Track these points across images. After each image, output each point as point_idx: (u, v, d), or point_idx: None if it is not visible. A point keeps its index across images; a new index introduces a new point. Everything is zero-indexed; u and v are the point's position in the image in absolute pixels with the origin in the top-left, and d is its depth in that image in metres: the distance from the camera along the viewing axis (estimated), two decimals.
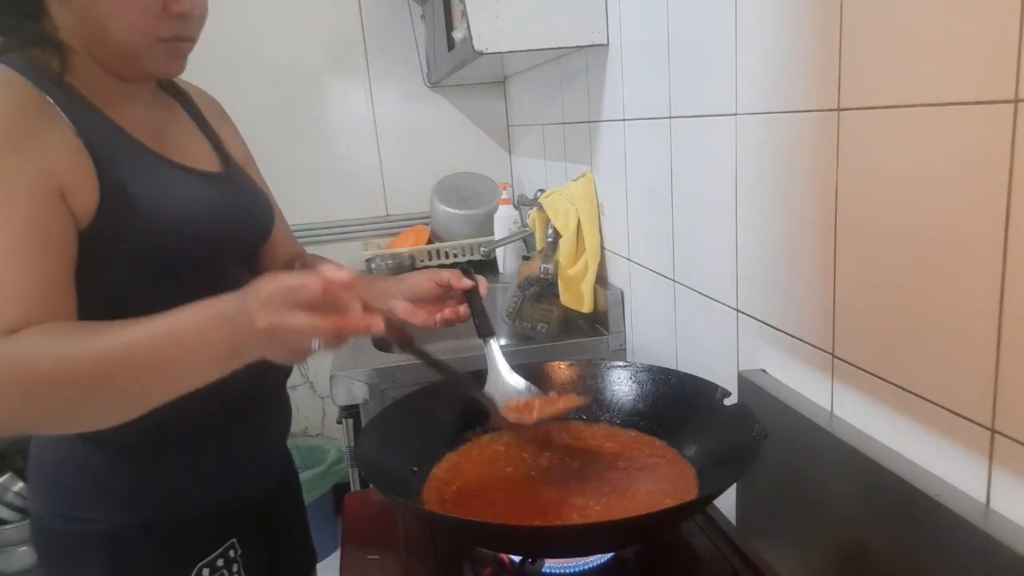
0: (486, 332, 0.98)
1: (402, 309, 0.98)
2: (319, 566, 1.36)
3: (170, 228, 0.84)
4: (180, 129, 0.96)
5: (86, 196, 0.77)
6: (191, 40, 0.86)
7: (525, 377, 0.98)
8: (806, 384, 0.87)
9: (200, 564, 0.93)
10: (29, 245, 0.72)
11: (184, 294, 0.70)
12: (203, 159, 0.96)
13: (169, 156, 0.88)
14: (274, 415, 1.04)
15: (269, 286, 0.63)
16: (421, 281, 1.02)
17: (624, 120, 1.37)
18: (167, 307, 0.68)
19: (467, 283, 1.01)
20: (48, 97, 0.78)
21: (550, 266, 1.60)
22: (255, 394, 0.98)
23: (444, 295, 1.01)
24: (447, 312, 1.00)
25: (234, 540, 0.95)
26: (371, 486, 1.12)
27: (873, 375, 0.75)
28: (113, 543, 0.89)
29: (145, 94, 0.91)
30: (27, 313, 0.69)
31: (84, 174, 0.77)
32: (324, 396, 2.55)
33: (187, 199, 0.88)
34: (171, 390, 0.67)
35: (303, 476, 1.65)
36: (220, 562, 0.94)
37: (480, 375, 0.96)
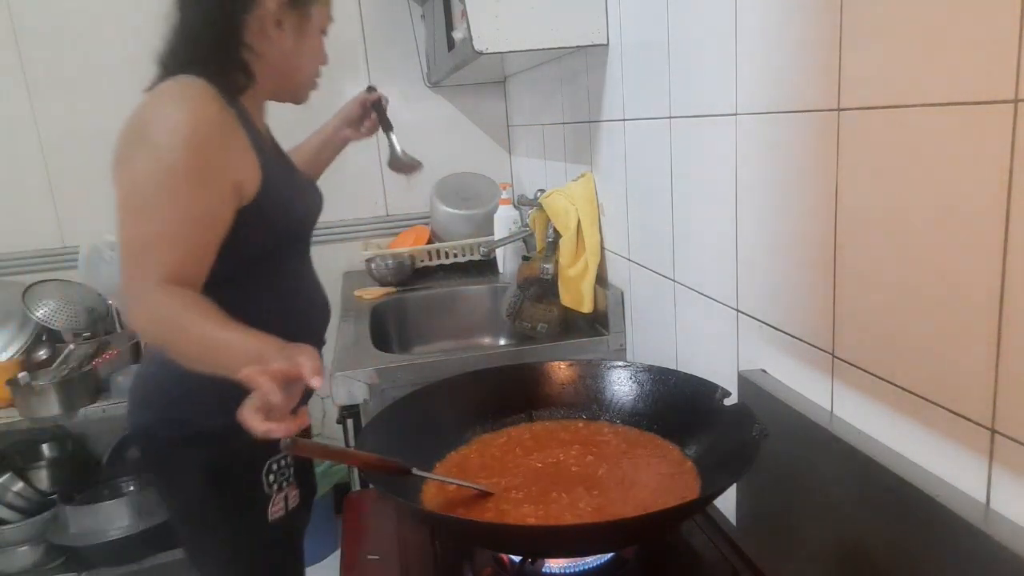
0: (387, 127, 1.49)
1: (342, 137, 1.50)
2: (319, 566, 1.37)
3: (294, 204, 1.19)
4: (269, 134, 1.28)
5: (250, 186, 1.07)
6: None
7: (524, 377, 0.97)
8: (806, 384, 0.87)
9: (270, 461, 1.19)
10: (207, 219, 1.02)
11: (292, 248, 1.23)
12: (284, 157, 1.30)
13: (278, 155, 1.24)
14: (320, 348, 1.29)
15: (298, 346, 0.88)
16: (351, 107, 1.48)
17: (624, 120, 1.37)
18: (285, 256, 1.20)
19: (373, 96, 1.47)
20: (232, 109, 1.06)
21: (550, 266, 1.60)
22: (319, 330, 1.29)
23: (366, 113, 1.48)
24: (367, 124, 1.49)
25: None
26: (371, 486, 1.12)
27: (873, 375, 0.75)
28: (207, 441, 1.13)
29: (264, 114, 1.23)
30: (181, 273, 0.98)
31: (252, 170, 1.07)
32: (324, 396, 2.55)
33: (296, 184, 1.25)
34: (216, 368, 0.92)
35: None
36: (282, 463, 1.20)
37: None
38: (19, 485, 2.34)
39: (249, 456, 1.16)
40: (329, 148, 1.51)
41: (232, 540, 1.21)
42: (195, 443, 1.13)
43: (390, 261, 2.20)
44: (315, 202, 1.31)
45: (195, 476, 1.14)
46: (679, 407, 0.95)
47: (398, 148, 1.52)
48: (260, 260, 1.15)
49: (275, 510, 1.18)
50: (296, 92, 1.21)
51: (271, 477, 1.20)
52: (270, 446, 1.10)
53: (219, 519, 1.19)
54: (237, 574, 1.26)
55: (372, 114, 1.47)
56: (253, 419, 0.77)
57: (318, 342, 1.29)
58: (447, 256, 2.31)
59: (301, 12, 1.13)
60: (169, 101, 1.03)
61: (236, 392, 0.94)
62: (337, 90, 2.47)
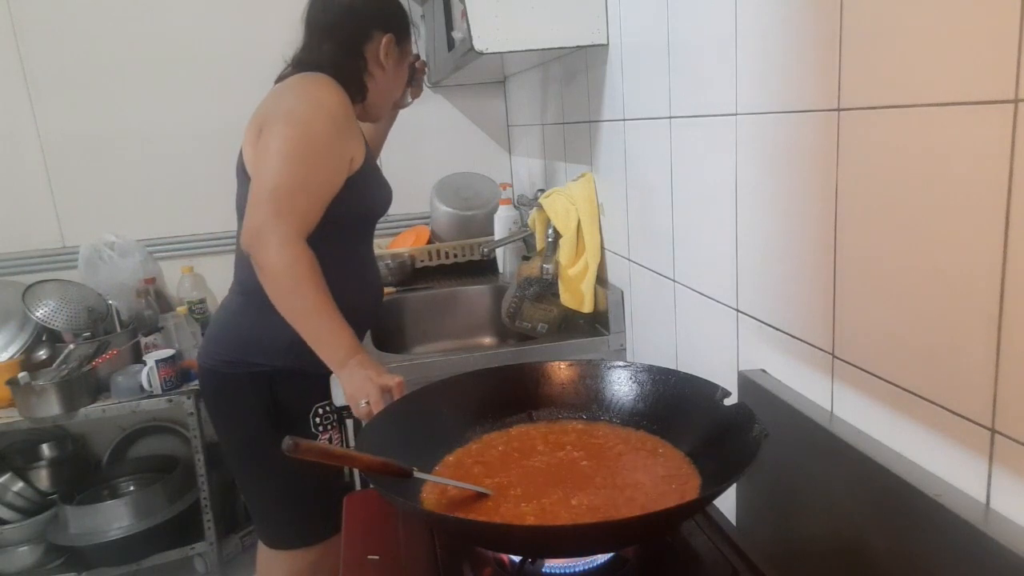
0: (418, 90, 1.66)
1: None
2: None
3: (378, 190, 1.49)
4: None
5: (357, 162, 1.37)
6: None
7: (524, 377, 0.97)
8: (806, 384, 0.87)
9: (316, 405, 1.43)
10: (332, 180, 1.31)
11: (365, 227, 1.52)
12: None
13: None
14: (364, 334, 1.56)
15: (381, 369, 1.20)
16: None
17: (624, 120, 1.37)
18: (360, 231, 1.50)
19: (412, 62, 1.60)
20: (351, 103, 1.38)
21: (550, 266, 1.60)
22: (374, 308, 1.56)
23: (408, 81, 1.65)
24: (411, 91, 1.64)
25: (329, 400, 1.42)
26: (371, 486, 1.12)
27: (873, 375, 0.75)
28: (271, 380, 1.38)
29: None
30: (309, 221, 1.26)
31: (361, 151, 1.38)
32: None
33: (381, 178, 1.52)
34: (308, 336, 1.23)
35: None
36: (327, 408, 1.43)
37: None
38: (19, 485, 2.34)
39: (299, 399, 1.36)
40: (383, 123, 1.73)
41: (279, 473, 1.39)
42: (254, 382, 1.35)
43: (390, 261, 2.20)
44: (390, 193, 1.55)
45: (251, 412, 1.34)
46: (679, 407, 0.94)
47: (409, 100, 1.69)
48: (344, 228, 1.39)
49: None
50: (380, 111, 1.51)
51: (316, 420, 1.42)
52: (317, 392, 1.41)
53: (269, 453, 1.29)
54: (281, 503, 1.43)
55: (413, 81, 1.65)
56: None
57: (367, 320, 1.55)
58: (447, 256, 2.31)
59: (402, 48, 1.46)
60: (315, 83, 1.34)
61: (295, 342, 1.24)
62: None
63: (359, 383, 1.20)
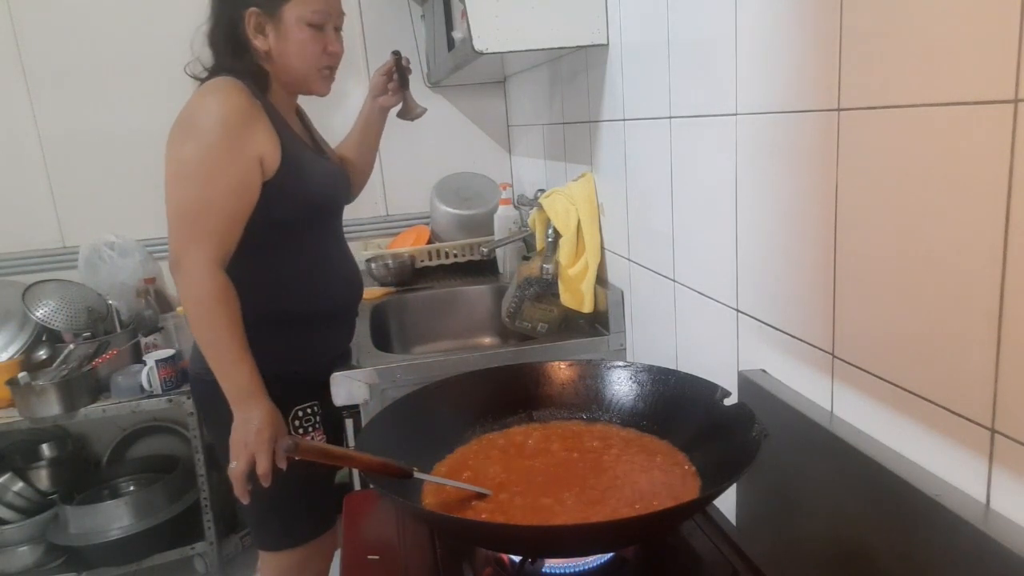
0: (404, 85, 1.65)
1: (378, 107, 1.68)
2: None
3: (314, 182, 1.37)
4: (302, 128, 1.50)
5: (272, 161, 1.29)
6: (335, 68, 1.42)
7: (524, 377, 0.97)
8: (806, 384, 0.87)
9: (296, 407, 1.41)
10: (240, 189, 1.26)
11: (317, 223, 1.42)
12: (311, 144, 1.49)
13: (306, 143, 1.43)
14: (350, 327, 1.56)
15: (270, 429, 1.26)
16: (375, 79, 1.66)
17: (624, 120, 1.37)
18: (311, 229, 1.40)
19: (393, 60, 1.63)
20: (257, 100, 1.29)
21: (550, 266, 1.60)
22: (346, 305, 1.52)
23: (390, 78, 1.65)
24: (392, 86, 1.65)
25: (316, 401, 1.43)
26: (371, 486, 1.12)
27: (873, 375, 0.75)
28: None
29: (293, 109, 1.46)
30: (222, 239, 1.24)
31: (273, 148, 1.29)
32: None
33: (320, 168, 1.42)
34: (212, 367, 1.26)
35: None
36: (309, 410, 1.42)
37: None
38: (19, 485, 2.34)
39: (277, 402, 1.32)
40: (372, 123, 1.69)
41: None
42: None
43: (390, 261, 2.20)
44: (337, 182, 1.48)
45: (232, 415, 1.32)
46: (679, 407, 0.94)
47: (412, 99, 1.67)
48: (286, 231, 1.35)
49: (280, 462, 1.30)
50: (306, 84, 1.39)
51: (296, 422, 1.42)
52: (296, 395, 1.41)
53: None
54: (266, 504, 1.40)
55: (395, 77, 1.63)
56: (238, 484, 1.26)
57: (344, 316, 1.52)
58: (447, 256, 2.31)
59: (274, 17, 1.32)
60: (207, 93, 1.27)
61: (272, 348, 1.28)
62: (338, 89, 2.48)
63: (235, 441, 1.24)
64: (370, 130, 1.69)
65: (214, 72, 1.34)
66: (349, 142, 1.69)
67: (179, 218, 1.23)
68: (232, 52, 1.33)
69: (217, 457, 1.54)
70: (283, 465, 1.24)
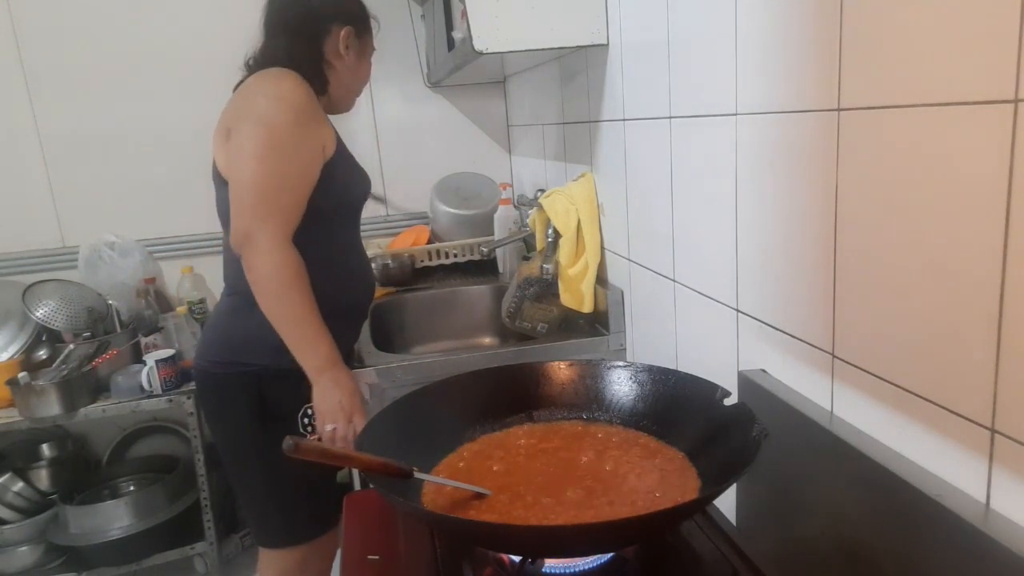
0: None
1: None
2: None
3: (354, 177, 1.47)
4: None
5: (330, 150, 1.37)
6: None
7: (524, 377, 0.97)
8: (806, 384, 0.87)
9: (306, 405, 1.38)
10: (308, 171, 1.32)
11: (348, 217, 1.49)
12: None
13: None
14: (359, 329, 1.57)
15: (360, 393, 1.32)
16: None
17: (624, 120, 1.37)
18: (342, 222, 1.46)
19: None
20: (315, 94, 1.37)
21: (550, 266, 1.60)
22: (363, 302, 1.54)
23: None
24: None
25: None
26: (371, 486, 1.12)
27: (873, 375, 0.75)
28: (259, 380, 1.38)
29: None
30: (293, 217, 1.29)
31: (331, 138, 1.38)
32: None
33: (357, 165, 1.50)
34: (289, 342, 1.28)
35: None
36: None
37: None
38: (19, 485, 2.34)
39: (288, 400, 1.37)
40: None
41: (269, 472, 1.41)
42: (244, 382, 1.35)
43: (390, 261, 2.20)
44: (367, 178, 1.55)
45: (240, 412, 1.34)
46: (679, 407, 0.94)
47: None
48: (322, 220, 1.37)
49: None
50: (346, 102, 1.51)
51: (305, 420, 1.42)
52: (306, 393, 1.36)
53: (258, 452, 1.39)
54: (269, 502, 1.44)
55: None
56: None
57: (357, 314, 1.53)
58: (447, 256, 2.31)
59: (362, 40, 1.47)
60: (279, 77, 1.32)
61: (283, 343, 1.27)
62: None
63: (330, 405, 1.27)
64: None
65: (274, 58, 1.38)
66: None
67: (255, 192, 1.25)
68: (305, 47, 1.39)
69: (219, 455, 1.54)
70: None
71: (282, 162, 1.26)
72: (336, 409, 1.27)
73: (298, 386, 1.37)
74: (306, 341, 1.26)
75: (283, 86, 1.31)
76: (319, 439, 1.39)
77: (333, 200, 1.38)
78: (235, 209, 1.26)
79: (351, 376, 1.31)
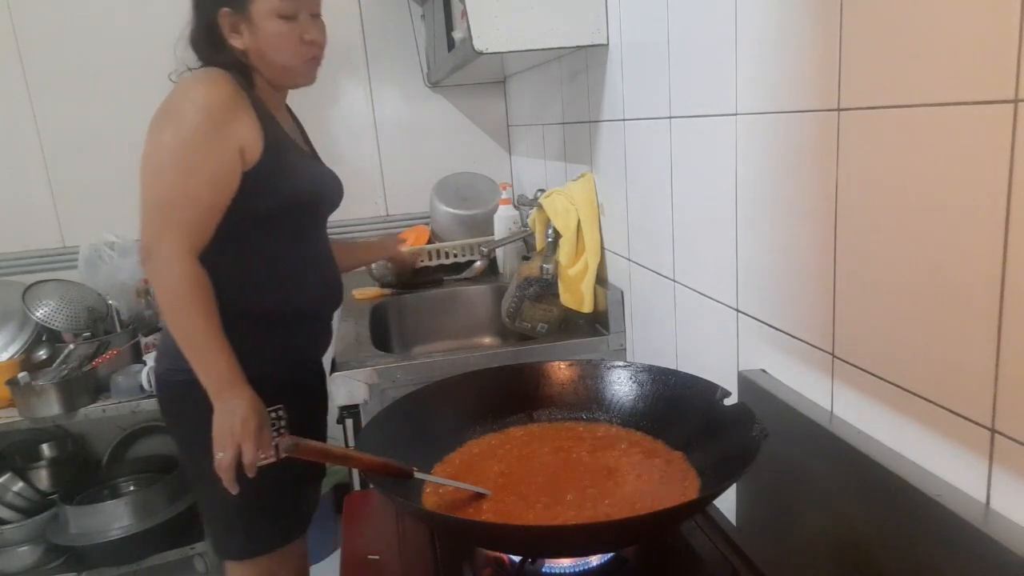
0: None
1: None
2: (319, 566, 1.39)
3: (299, 178, 1.34)
4: (294, 127, 1.47)
5: (253, 152, 1.26)
6: (319, 57, 1.36)
7: (524, 377, 0.98)
8: (806, 384, 0.87)
9: (269, 408, 1.28)
10: (218, 180, 1.23)
11: (298, 221, 1.36)
12: (304, 146, 1.47)
13: (294, 141, 1.39)
14: (324, 335, 1.50)
15: (256, 418, 1.20)
16: (400, 259, 1.95)
17: (624, 120, 1.37)
18: (291, 226, 1.35)
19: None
20: (243, 91, 1.27)
21: (550, 266, 1.60)
22: (322, 308, 1.46)
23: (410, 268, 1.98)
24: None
25: (281, 406, 1.31)
26: (371, 486, 1.12)
27: (873, 375, 0.75)
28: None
29: (282, 105, 1.42)
30: (197, 230, 1.21)
31: (255, 139, 1.26)
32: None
33: (308, 166, 1.40)
34: (190, 360, 1.21)
35: None
36: (273, 415, 1.29)
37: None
38: (19, 485, 2.34)
39: None
40: (366, 260, 1.90)
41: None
42: (198, 389, 1.23)
43: (390, 261, 2.19)
44: (329, 185, 1.45)
45: (199, 418, 1.24)
46: (679, 407, 0.94)
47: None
48: (264, 225, 1.31)
49: (263, 456, 1.20)
50: (290, 76, 1.35)
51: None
52: (264, 398, 1.28)
53: (212, 460, 1.26)
54: (231, 512, 1.37)
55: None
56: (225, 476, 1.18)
57: (315, 320, 1.45)
58: (447, 256, 2.31)
59: (245, 14, 1.28)
60: (191, 81, 1.25)
61: (237, 347, 1.22)
62: (337, 89, 2.48)
63: (220, 431, 1.17)
64: (359, 259, 1.83)
65: (201, 63, 1.32)
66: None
67: (154, 208, 1.20)
68: (214, 52, 1.31)
69: (183, 467, 1.47)
70: (269, 455, 1.18)
71: (185, 172, 1.19)
72: (226, 435, 1.17)
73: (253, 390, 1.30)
74: (201, 360, 1.20)
75: (193, 87, 1.23)
76: (276, 446, 1.25)
77: (272, 203, 1.29)
78: (141, 222, 1.22)
79: (251, 400, 1.19)
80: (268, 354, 1.34)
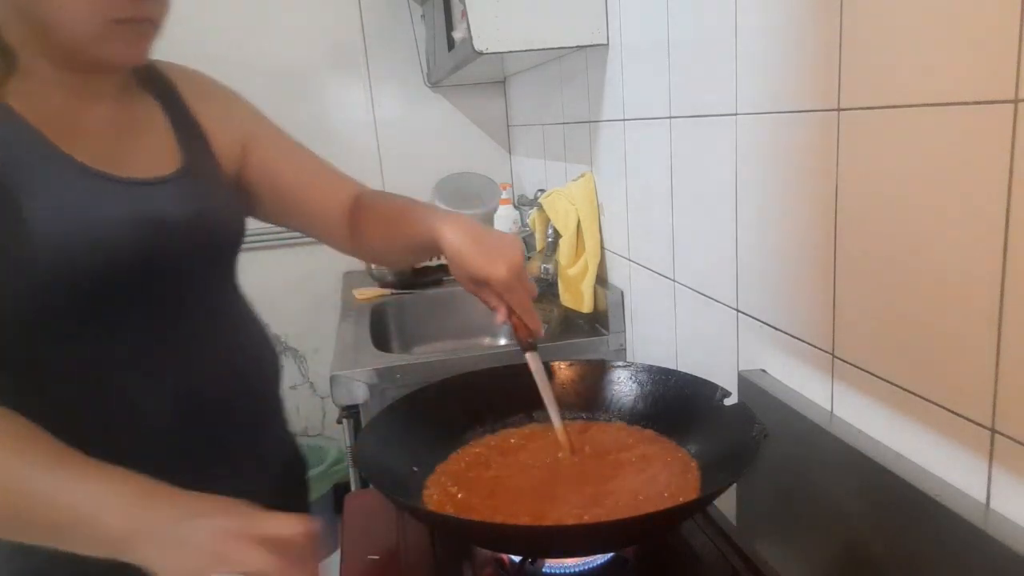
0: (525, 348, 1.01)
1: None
2: (319, 566, 1.39)
3: (75, 249, 0.70)
4: (145, 128, 0.84)
5: None
6: (151, 21, 0.76)
7: (524, 377, 0.98)
8: (806, 384, 0.87)
9: None
10: None
11: (111, 321, 0.74)
12: (160, 160, 0.83)
13: (113, 164, 0.77)
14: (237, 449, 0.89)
15: (226, 519, 0.61)
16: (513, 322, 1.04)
17: (624, 120, 1.37)
18: (90, 338, 0.73)
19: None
20: None
21: (550, 266, 1.61)
22: (221, 410, 0.86)
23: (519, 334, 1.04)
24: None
25: None
26: (371, 486, 1.12)
27: (873, 375, 0.75)
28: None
29: (108, 90, 0.80)
30: None
31: None
32: (324, 396, 2.55)
33: (97, 218, 0.73)
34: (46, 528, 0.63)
35: None
36: None
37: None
38: None
39: None
40: (427, 252, 1.09)
41: None
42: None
43: None
44: (180, 231, 0.80)
45: None
46: (679, 407, 0.94)
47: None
48: (51, 329, 0.72)
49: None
50: (79, 44, 0.71)
51: None
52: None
53: None
54: None
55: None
56: None
57: (223, 418, 0.85)
58: None
59: None
60: None
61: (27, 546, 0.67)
62: (338, 89, 2.48)
63: (188, 560, 0.59)
64: (415, 246, 1.08)
65: None
66: (392, 210, 1.06)
67: None
68: None
69: None
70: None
71: None
72: (210, 557, 0.59)
73: None
74: (75, 515, 0.62)
75: None
76: None
77: (62, 281, 0.70)
78: None
79: (205, 503, 0.64)
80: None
